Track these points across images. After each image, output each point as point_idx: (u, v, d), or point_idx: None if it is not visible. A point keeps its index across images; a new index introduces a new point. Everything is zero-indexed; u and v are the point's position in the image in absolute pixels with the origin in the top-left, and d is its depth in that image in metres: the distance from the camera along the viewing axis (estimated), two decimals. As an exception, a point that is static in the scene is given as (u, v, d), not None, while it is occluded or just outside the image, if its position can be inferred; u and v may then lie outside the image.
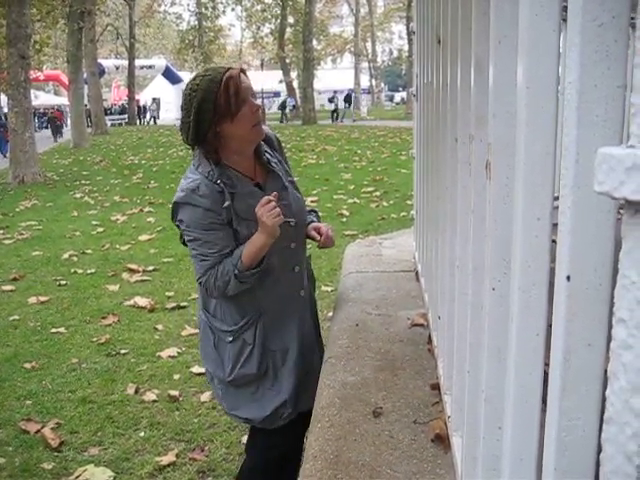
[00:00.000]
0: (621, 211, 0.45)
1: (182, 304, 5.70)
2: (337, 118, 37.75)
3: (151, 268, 7.02)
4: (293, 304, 2.34)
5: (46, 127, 42.40)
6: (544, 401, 0.80)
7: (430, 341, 2.18)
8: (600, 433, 0.47)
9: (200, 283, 2.23)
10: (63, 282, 6.77)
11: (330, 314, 5.18)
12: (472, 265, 1.23)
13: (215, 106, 2.07)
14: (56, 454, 3.58)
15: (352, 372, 2.02)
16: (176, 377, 4.36)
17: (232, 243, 2.20)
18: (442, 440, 1.62)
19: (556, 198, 0.72)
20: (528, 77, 0.81)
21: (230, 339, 2.29)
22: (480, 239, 1.16)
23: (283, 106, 41.95)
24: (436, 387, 1.89)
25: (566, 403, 0.65)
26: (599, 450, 0.48)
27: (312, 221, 2.55)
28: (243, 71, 2.17)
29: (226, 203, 2.13)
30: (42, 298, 6.24)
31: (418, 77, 2.84)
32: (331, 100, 38.35)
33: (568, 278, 0.62)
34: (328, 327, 4.97)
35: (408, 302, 2.63)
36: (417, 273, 2.89)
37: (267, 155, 2.32)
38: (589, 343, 0.63)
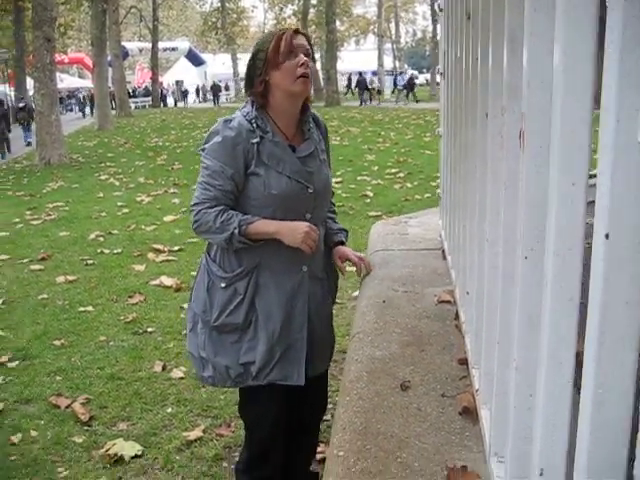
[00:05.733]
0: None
1: (207, 284, 5.73)
2: (370, 99, 36.70)
3: (176, 248, 7.08)
4: (291, 275, 2.35)
5: (70, 110, 42.76)
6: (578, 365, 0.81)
7: (457, 317, 2.19)
8: (637, 389, 0.48)
9: (192, 209, 2.30)
10: (90, 262, 6.85)
11: (354, 294, 5.21)
12: (503, 237, 1.24)
13: (266, 55, 2.22)
14: (86, 428, 3.65)
15: (380, 347, 2.04)
16: (202, 355, 4.40)
17: (232, 202, 2.28)
18: (470, 413, 1.64)
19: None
20: (565, 43, 0.81)
21: (223, 285, 2.34)
22: (512, 210, 1.17)
23: None
24: (463, 362, 1.90)
25: (603, 360, 0.66)
26: (635, 406, 0.49)
27: (341, 241, 2.60)
28: (297, 31, 2.30)
29: (254, 140, 2.21)
30: (70, 277, 6.33)
31: (446, 55, 2.83)
32: (361, 86, 36.83)
33: (607, 236, 0.63)
34: (353, 306, 5.01)
35: (435, 279, 2.64)
36: (443, 251, 2.90)
37: (310, 126, 2.39)
38: (626, 301, 0.63)
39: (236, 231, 2.21)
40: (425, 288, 2.55)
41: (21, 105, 22.81)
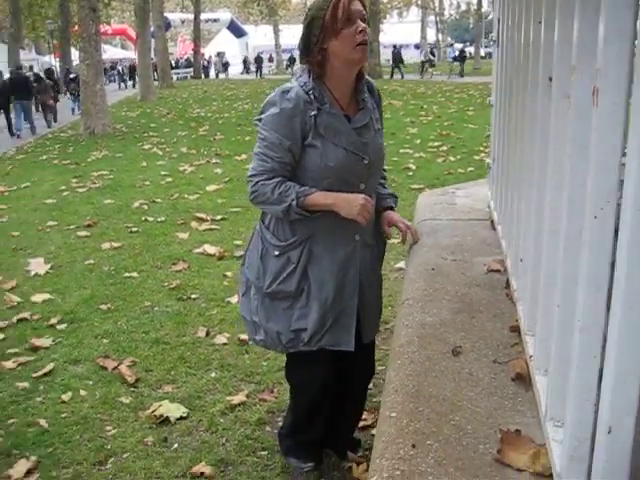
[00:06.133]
0: None
1: (250, 252, 5.77)
2: (425, 72, 35.30)
3: (219, 217, 7.14)
4: (345, 243, 2.36)
5: (113, 81, 43.12)
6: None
7: (508, 286, 2.17)
8: None
9: (250, 180, 2.32)
10: (134, 229, 6.95)
11: (396, 265, 5.21)
12: (568, 199, 1.22)
13: (323, 23, 2.17)
14: (132, 389, 3.73)
15: (430, 313, 2.03)
16: (245, 322, 4.45)
17: (289, 173, 2.29)
18: (523, 379, 1.63)
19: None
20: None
21: (276, 253, 2.37)
22: (579, 172, 1.15)
23: (291, 60, 41.24)
24: (515, 329, 1.88)
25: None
26: None
27: (390, 207, 2.59)
28: None
29: (312, 113, 2.20)
30: (115, 244, 6.44)
31: (500, 22, 2.78)
32: (396, 59, 35.69)
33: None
34: (395, 277, 5.01)
35: (484, 249, 2.62)
36: (492, 221, 2.87)
37: (365, 96, 2.36)
38: None
39: (293, 203, 2.23)
40: (474, 257, 2.53)
41: (72, 76, 23.26)
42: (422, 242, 2.72)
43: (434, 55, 38.83)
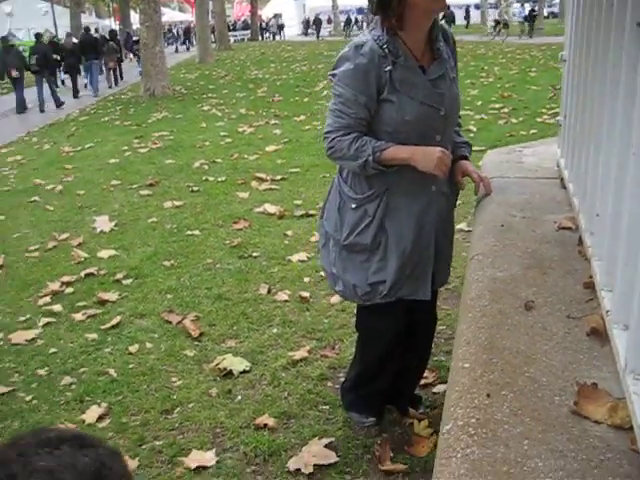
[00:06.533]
0: None
1: (310, 212, 5.79)
2: (498, 33, 33.45)
3: (279, 177, 7.16)
4: (421, 195, 2.35)
5: (171, 43, 43.37)
6: None
7: (580, 243, 2.12)
8: None
9: (326, 137, 2.32)
10: (195, 188, 7.03)
11: (459, 226, 5.15)
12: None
13: None
14: (196, 343, 3.81)
15: (500, 268, 2.01)
16: (306, 280, 4.49)
17: (365, 128, 2.27)
18: (599, 334, 1.60)
19: None
20: None
21: (354, 206, 2.39)
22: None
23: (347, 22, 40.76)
24: (589, 286, 1.84)
25: None
26: None
27: (464, 156, 2.55)
28: None
29: (387, 67, 2.18)
30: (177, 203, 6.54)
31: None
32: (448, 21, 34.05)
33: None
34: (456, 239, 4.95)
35: (553, 207, 2.56)
36: (562, 180, 2.80)
37: (440, 44, 2.32)
38: None
39: (370, 158, 2.22)
40: (543, 215, 2.48)
41: (136, 38, 23.62)
42: (490, 198, 2.68)
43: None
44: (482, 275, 1.97)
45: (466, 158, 2.53)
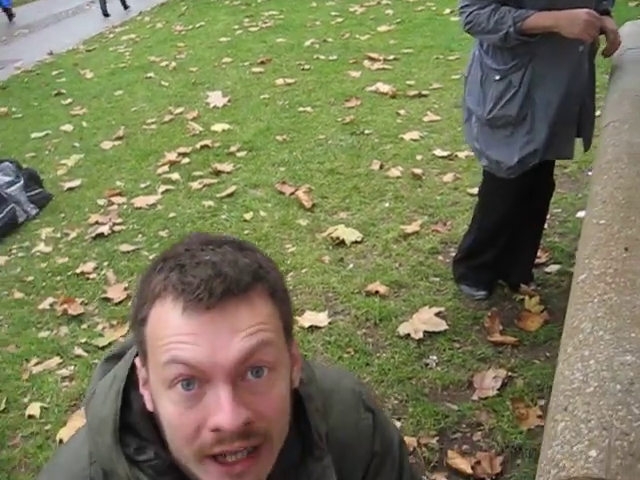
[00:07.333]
0: None
1: (423, 92, 5.64)
2: None
3: (391, 57, 6.95)
4: (568, 58, 2.24)
5: None
6: None
7: None
8: None
9: (463, 11, 2.24)
10: (307, 67, 6.96)
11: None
12: None
13: None
14: (309, 213, 3.89)
15: (638, 135, 1.91)
16: (419, 158, 4.43)
17: None
18: None
19: None
20: None
21: (497, 78, 2.31)
22: None
23: None
24: None
25: None
26: None
27: (606, 10, 2.36)
28: None
29: None
30: (288, 80, 6.50)
31: None
32: None
33: None
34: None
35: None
36: None
37: None
38: None
39: (511, 29, 2.12)
40: (688, 84, 2.31)
41: None
42: (627, 69, 2.51)
43: None
44: (619, 140, 1.88)
45: (608, 13, 2.36)
